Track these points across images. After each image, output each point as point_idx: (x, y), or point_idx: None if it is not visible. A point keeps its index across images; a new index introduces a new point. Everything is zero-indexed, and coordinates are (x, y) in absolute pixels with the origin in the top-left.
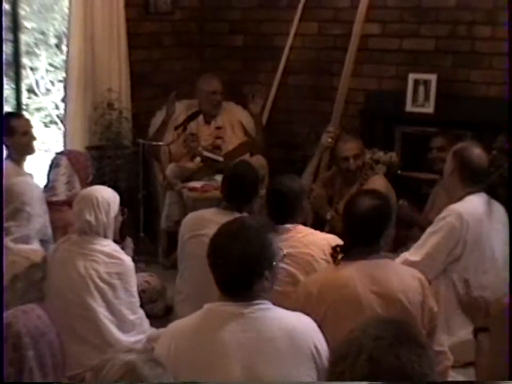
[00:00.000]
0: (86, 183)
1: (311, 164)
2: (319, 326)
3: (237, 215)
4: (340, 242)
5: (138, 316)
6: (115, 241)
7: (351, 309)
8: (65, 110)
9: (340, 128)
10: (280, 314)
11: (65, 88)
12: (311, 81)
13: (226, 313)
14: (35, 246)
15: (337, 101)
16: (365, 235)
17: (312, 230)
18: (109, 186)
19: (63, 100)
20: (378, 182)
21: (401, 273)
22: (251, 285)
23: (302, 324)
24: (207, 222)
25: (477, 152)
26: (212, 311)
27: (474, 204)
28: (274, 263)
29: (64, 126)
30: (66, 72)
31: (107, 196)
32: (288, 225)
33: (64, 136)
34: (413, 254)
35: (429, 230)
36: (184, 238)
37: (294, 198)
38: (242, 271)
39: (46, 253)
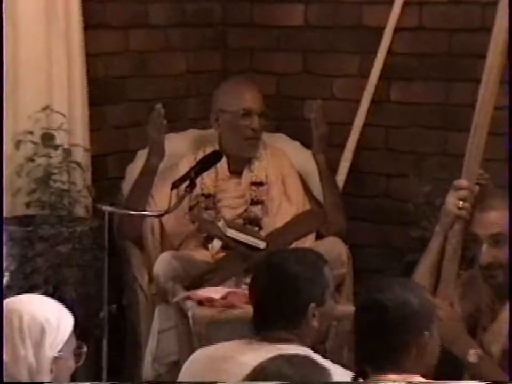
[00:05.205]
0: None
1: (427, 252)
2: None
3: (285, 350)
4: None
5: None
6: None
7: None
8: None
9: (484, 178)
10: None
11: None
12: (434, 95)
13: None
14: None
15: (474, 131)
16: None
17: None
18: (44, 294)
19: None
20: None
21: None
22: None
23: None
24: (227, 364)
25: None
26: None
27: None
28: None
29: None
30: None
31: (43, 314)
32: (392, 376)
33: None
34: None
35: None
36: None
37: (403, 320)
38: None
39: None
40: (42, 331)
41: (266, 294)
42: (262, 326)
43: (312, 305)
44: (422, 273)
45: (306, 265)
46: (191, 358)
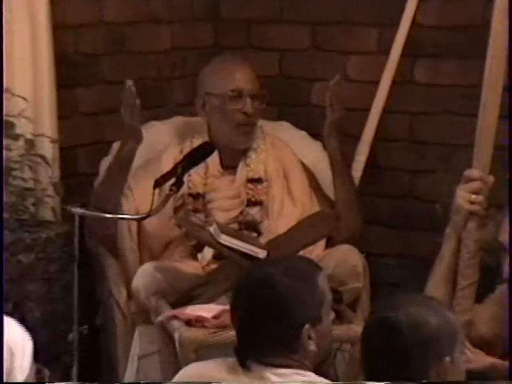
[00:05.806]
0: None
1: (439, 260)
2: None
3: (283, 375)
4: None
5: None
6: None
7: None
8: None
9: None
10: None
11: None
12: (467, 75)
13: None
14: None
15: (483, 113)
16: None
17: None
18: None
19: None
20: None
21: None
22: None
23: None
24: None
25: None
26: None
27: None
28: None
29: None
30: None
31: (9, 335)
32: None
33: None
34: None
35: None
36: None
37: (419, 344)
38: None
39: None
40: (12, 354)
41: (251, 318)
42: (248, 355)
43: (307, 326)
44: (435, 284)
45: (296, 278)
46: (178, 375)
